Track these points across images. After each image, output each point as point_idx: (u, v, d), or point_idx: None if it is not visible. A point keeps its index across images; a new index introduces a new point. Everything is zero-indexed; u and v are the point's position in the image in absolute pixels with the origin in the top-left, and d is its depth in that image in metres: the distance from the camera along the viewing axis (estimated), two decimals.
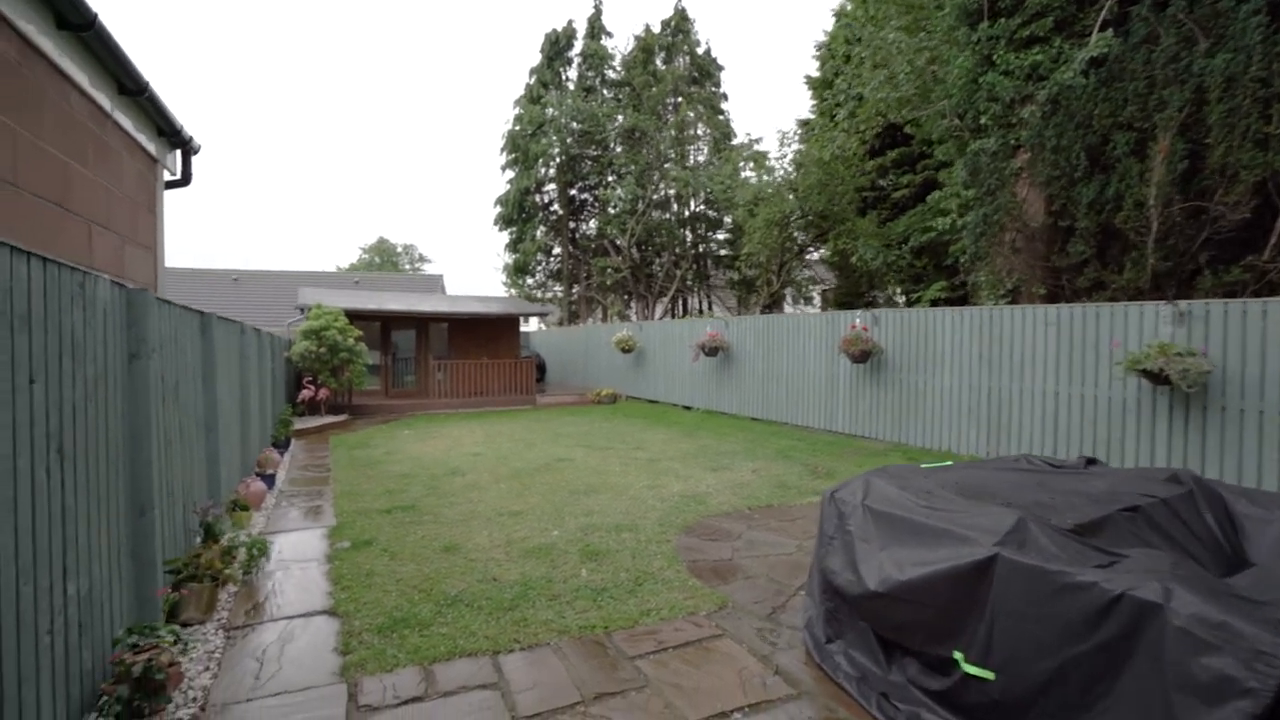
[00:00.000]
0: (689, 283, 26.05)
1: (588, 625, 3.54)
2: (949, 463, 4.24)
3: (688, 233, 25.71)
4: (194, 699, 2.82)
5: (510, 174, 27.59)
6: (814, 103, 20.14)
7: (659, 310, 25.47)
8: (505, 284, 30.04)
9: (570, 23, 27.37)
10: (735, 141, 24.92)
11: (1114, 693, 2.04)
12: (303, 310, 14.06)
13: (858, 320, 9.77)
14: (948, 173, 12.95)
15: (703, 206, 25.29)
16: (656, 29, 26.68)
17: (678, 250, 25.43)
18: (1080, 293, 8.59)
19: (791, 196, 17.70)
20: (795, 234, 19.17)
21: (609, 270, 25.33)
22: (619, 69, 26.96)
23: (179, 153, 5.75)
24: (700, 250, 26.01)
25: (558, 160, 25.53)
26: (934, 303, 13.97)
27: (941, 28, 10.84)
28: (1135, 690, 1.98)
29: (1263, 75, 6.51)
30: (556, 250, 28.39)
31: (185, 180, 5.80)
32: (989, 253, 9.75)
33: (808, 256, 21.41)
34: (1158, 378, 5.90)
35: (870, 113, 13.13)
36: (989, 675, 2.42)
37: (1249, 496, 3.20)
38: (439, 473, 7.69)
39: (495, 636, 3.39)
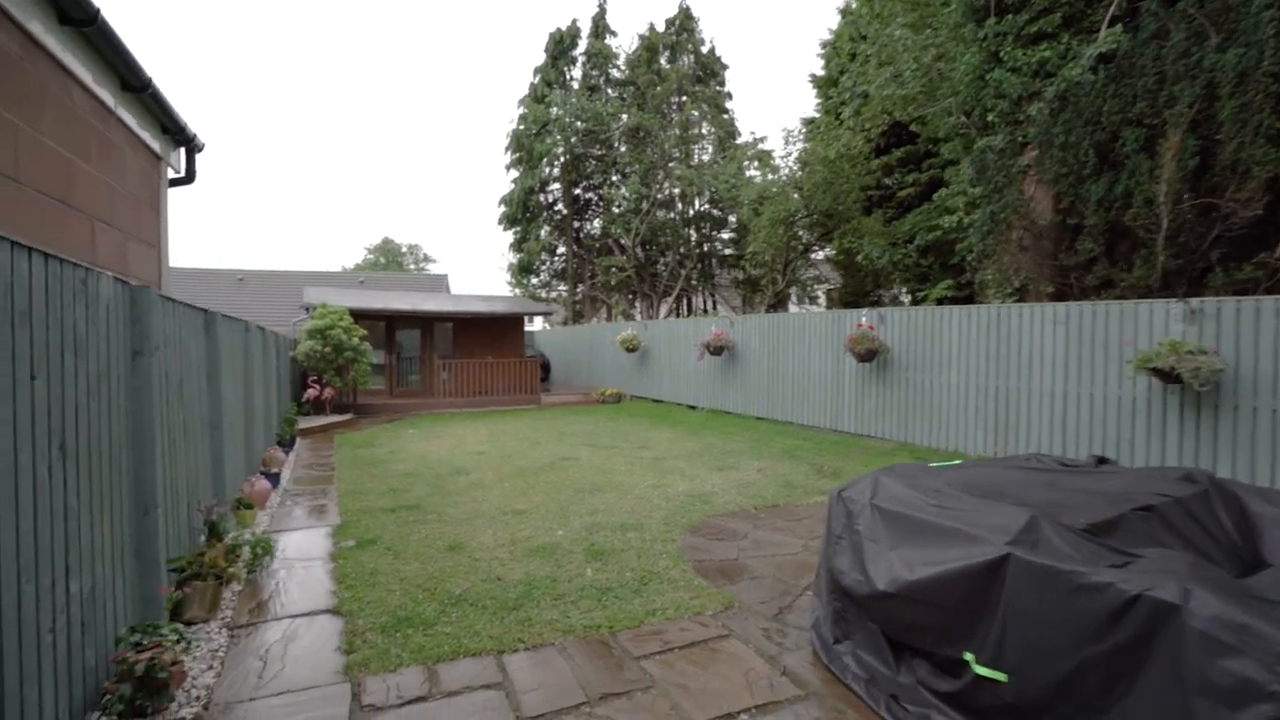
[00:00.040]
0: (693, 282, 26.01)
1: (593, 625, 3.51)
2: (958, 461, 4.19)
3: (692, 232, 25.65)
4: (197, 698, 2.80)
5: (515, 173, 27.60)
6: (819, 101, 20.06)
7: (663, 310, 25.43)
8: (510, 283, 30.07)
9: (575, 22, 27.35)
10: (740, 140, 24.88)
11: (1131, 696, 2.00)
12: (308, 309, 14.08)
13: (864, 319, 9.71)
14: (954, 170, 12.87)
15: (707, 206, 25.23)
16: (661, 28, 26.65)
17: (682, 250, 25.39)
18: (1088, 291, 8.51)
19: (796, 195, 17.64)
20: (800, 233, 19.11)
21: (613, 270, 25.30)
22: (623, 68, 26.92)
23: (183, 150, 5.75)
24: (705, 250, 25.96)
25: (562, 159, 25.51)
26: (940, 301, 13.89)
27: (948, 24, 10.77)
28: (1153, 694, 1.94)
29: (1275, 70, 6.43)
30: (561, 250, 28.38)
31: (189, 178, 5.80)
32: (996, 251, 9.67)
33: (813, 256, 21.34)
34: (1169, 376, 5.83)
35: (876, 110, 13.06)
36: (1001, 677, 2.37)
37: (1265, 496, 3.15)
38: (443, 472, 7.67)
39: (499, 636, 3.36)
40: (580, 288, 28.09)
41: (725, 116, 26.57)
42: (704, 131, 26.26)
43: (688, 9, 26.45)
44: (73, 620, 2.44)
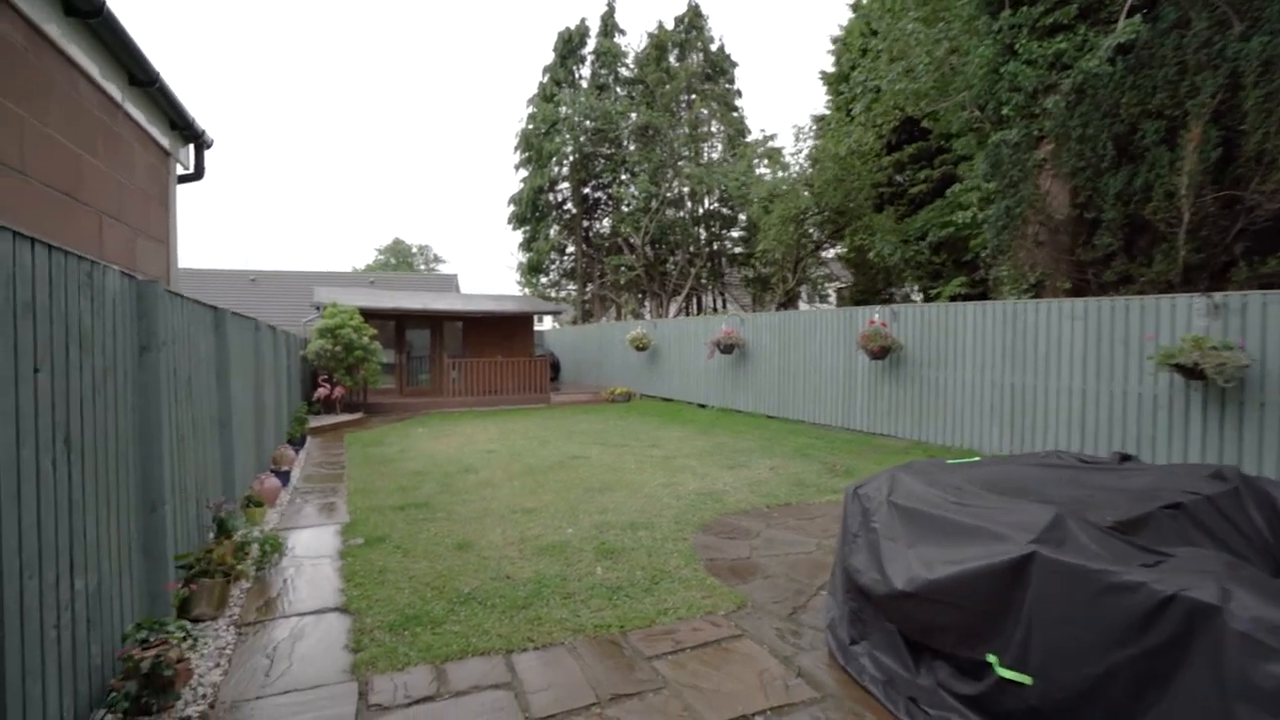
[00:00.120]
0: (703, 281, 25.90)
1: (603, 624, 3.45)
2: (976, 458, 4.10)
3: (702, 231, 25.56)
4: (203, 696, 2.77)
5: (524, 173, 27.62)
6: (829, 98, 19.91)
7: (673, 309, 25.35)
8: (519, 283, 30.10)
9: (583, 21, 27.35)
10: (749, 138, 24.75)
11: (1166, 701, 1.92)
12: (318, 308, 14.13)
13: (876, 316, 9.59)
14: (967, 166, 12.71)
15: (717, 204, 25.13)
16: (670, 25, 26.58)
17: (692, 248, 25.29)
18: (1107, 287, 8.35)
19: (807, 193, 17.51)
20: (811, 230, 18.97)
21: (623, 269, 25.25)
22: (632, 66, 26.87)
23: (192, 147, 5.75)
24: (714, 248, 25.86)
25: (571, 159, 25.49)
26: (953, 299, 13.72)
27: (961, 17, 10.62)
28: (1190, 698, 1.85)
29: None
30: (570, 249, 28.36)
31: (198, 174, 5.80)
32: (1011, 246, 9.53)
33: (823, 254, 21.18)
34: (1192, 372, 5.69)
35: (887, 106, 12.91)
36: (1026, 680, 2.29)
37: None
38: (452, 470, 7.65)
39: (509, 635, 3.31)
40: (589, 287, 28.07)
41: (735, 114, 26.46)
42: (713, 129, 26.16)
43: (697, 7, 26.35)
44: (78, 616, 2.41)
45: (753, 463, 7.91)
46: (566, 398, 16.77)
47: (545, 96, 26.79)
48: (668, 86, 24.89)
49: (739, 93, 27.13)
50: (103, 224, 4.07)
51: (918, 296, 17.28)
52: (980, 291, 13.59)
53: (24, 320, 2.08)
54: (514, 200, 27.81)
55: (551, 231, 27.44)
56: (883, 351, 9.24)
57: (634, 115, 24.87)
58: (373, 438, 10.57)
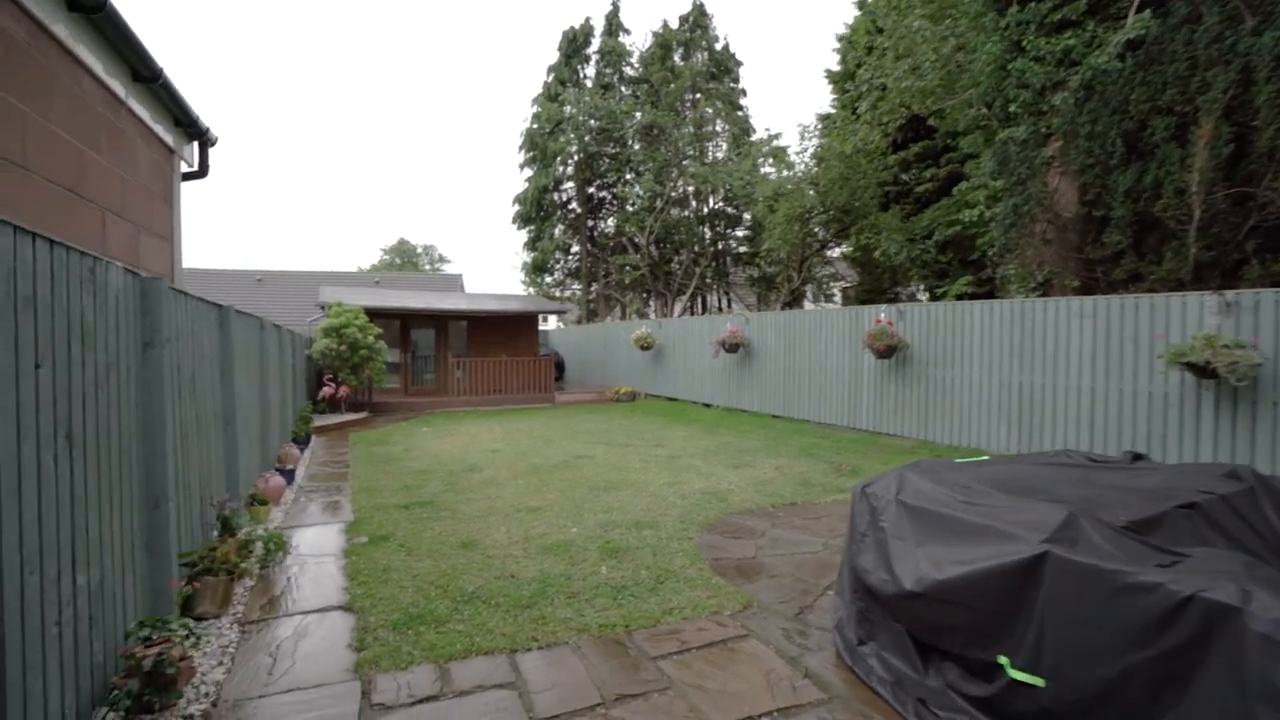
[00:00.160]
0: (708, 280, 25.85)
1: (608, 624, 3.42)
2: (985, 457, 4.05)
3: (706, 230, 25.49)
4: (206, 694, 2.75)
5: (529, 172, 27.61)
6: (834, 97, 19.84)
7: (678, 308, 25.30)
8: (524, 282, 30.09)
9: (588, 20, 27.30)
10: (754, 137, 24.67)
11: (1183, 704, 1.87)
12: (323, 308, 14.15)
13: (882, 314, 9.53)
14: (974, 164, 12.63)
15: (721, 203, 25.06)
16: (675, 25, 26.52)
17: (696, 248, 25.24)
18: (1116, 285, 8.28)
19: (812, 192, 17.44)
20: (816, 230, 18.90)
21: (627, 268, 25.22)
22: (637, 66, 26.82)
23: (196, 144, 5.75)
24: (719, 248, 25.79)
25: (576, 158, 25.46)
26: (960, 298, 13.63)
27: (968, 14, 10.55)
28: (1208, 701, 1.81)
29: None
30: (575, 248, 28.34)
31: (203, 172, 5.80)
32: (1019, 244, 9.46)
33: (829, 253, 21.10)
34: (1204, 371, 5.62)
35: (893, 103, 12.85)
36: (1038, 682, 2.25)
37: None
38: (457, 469, 7.64)
39: (513, 634, 3.28)
40: (594, 286, 28.04)
41: (740, 113, 26.38)
42: (718, 129, 26.09)
43: (701, 6, 26.29)
44: (80, 613, 2.40)
45: (758, 462, 7.87)
46: (571, 397, 16.76)
47: (550, 96, 26.78)
48: (672, 86, 24.85)
49: (744, 92, 27.07)
50: (106, 220, 4.06)
51: (924, 296, 17.19)
52: (987, 290, 13.50)
53: (25, 315, 2.07)
54: (519, 200, 27.80)
55: (556, 231, 27.42)
56: (889, 350, 9.18)
57: (639, 114, 24.83)
58: (377, 437, 10.57)
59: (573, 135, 24.52)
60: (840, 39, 19.75)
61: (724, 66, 26.49)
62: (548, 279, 29.10)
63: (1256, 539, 2.77)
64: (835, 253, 21.29)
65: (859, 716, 2.64)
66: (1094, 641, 2.10)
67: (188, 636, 2.78)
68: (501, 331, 18.00)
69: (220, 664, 3.02)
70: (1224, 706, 1.77)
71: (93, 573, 2.52)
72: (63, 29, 3.51)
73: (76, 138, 3.71)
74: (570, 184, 27.07)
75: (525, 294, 28.38)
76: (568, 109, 24.92)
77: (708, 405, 13.89)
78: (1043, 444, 7.48)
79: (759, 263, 22.96)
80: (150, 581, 3.13)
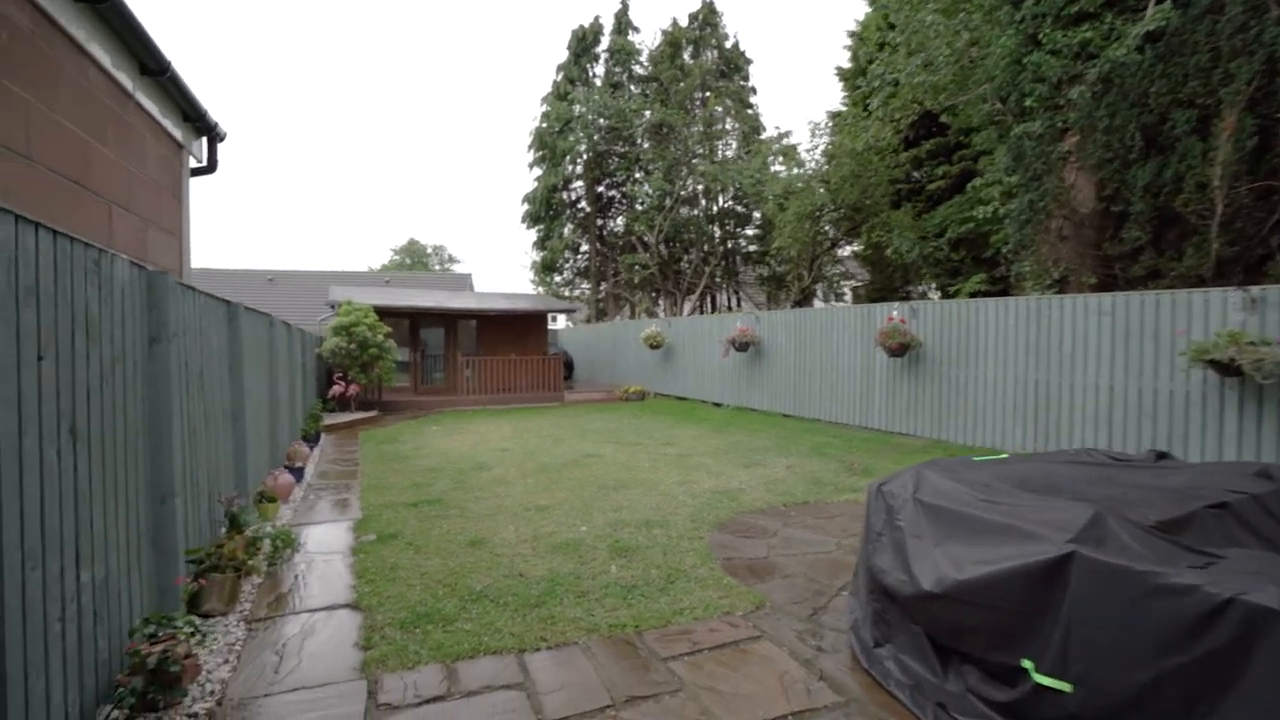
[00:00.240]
0: (717, 279, 25.73)
1: (618, 624, 3.36)
2: (1004, 455, 3.96)
3: (716, 229, 25.38)
4: (211, 692, 2.72)
5: (538, 171, 27.61)
6: (845, 94, 19.70)
7: (687, 308, 25.21)
8: (533, 282, 30.11)
9: (597, 19, 27.25)
10: (764, 135, 24.53)
11: (1221, 711, 1.79)
12: (333, 307, 14.19)
13: (895, 312, 9.42)
14: (988, 160, 12.46)
15: (731, 202, 24.94)
16: (684, 23, 26.42)
17: (706, 247, 25.13)
18: (1134, 282, 8.13)
19: (822, 190, 17.30)
20: (826, 228, 18.76)
21: (636, 267, 25.15)
22: (646, 64, 26.74)
23: (205, 140, 5.74)
24: (729, 246, 25.67)
25: (585, 157, 25.42)
26: (973, 296, 13.47)
27: (982, 7, 10.40)
28: (1249, 708, 1.72)
29: None
30: (584, 247, 28.31)
31: (211, 168, 5.80)
32: (1034, 241, 9.32)
33: (839, 251, 20.94)
34: (1227, 369, 5.49)
35: (906, 100, 12.70)
36: (1065, 687, 2.17)
37: None
38: (466, 467, 7.61)
39: (521, 634, 3.23)
40: (603, 286, 28.00)
41: (749, 111, 26.24)
42: (728, 127, 25.95)
43: (711, 4, 26.18)
44: (84, 610, 2.37)
45: (769, 461, 7.79)
46: (580, 396, 16.72)
47: (559, 95, 26.77)
48: (682, 84, 24.74)
49: (754, 90, 26.91)
50: (112, 213, 4.05)
51: (935, 294, 17.01)
52: (1000, 289, 13.33)
53: (26, 306, 2.03)
54: (528, 199, 27.81)
55: (565, 230, 27.40)
56: (901, 349, 9.07)
57: (648, 113, 24.75)
58: (387, 435, 10.58)
59: (582, 134, 24.48)
60: (851, 35, 19.63)
61: (734, 64, 26.36)
62: (557, 278, 29.09)
63: None
64: (846, 251, 21.13)
65: None
66: (1125, 646, 2.02)
67: (193, 634, 2.75)
68: (510, 330, 18.00)
69: (226, 662, 2.99)
70: (1268, 714, 1.69)
71: (97, 568, 2.49)
72: (68, 18, 3.49)
73: (82, 129, 3.69)
74: (579, 183, 27.04)
75: (534, 293, 28.39)
76: (577, 108, 24.89)
77: (717, 404, 13.80)
78: (1059, 443, 7.35)
79: (769, 261, 22.84)
80: (156, 578, 3.10)
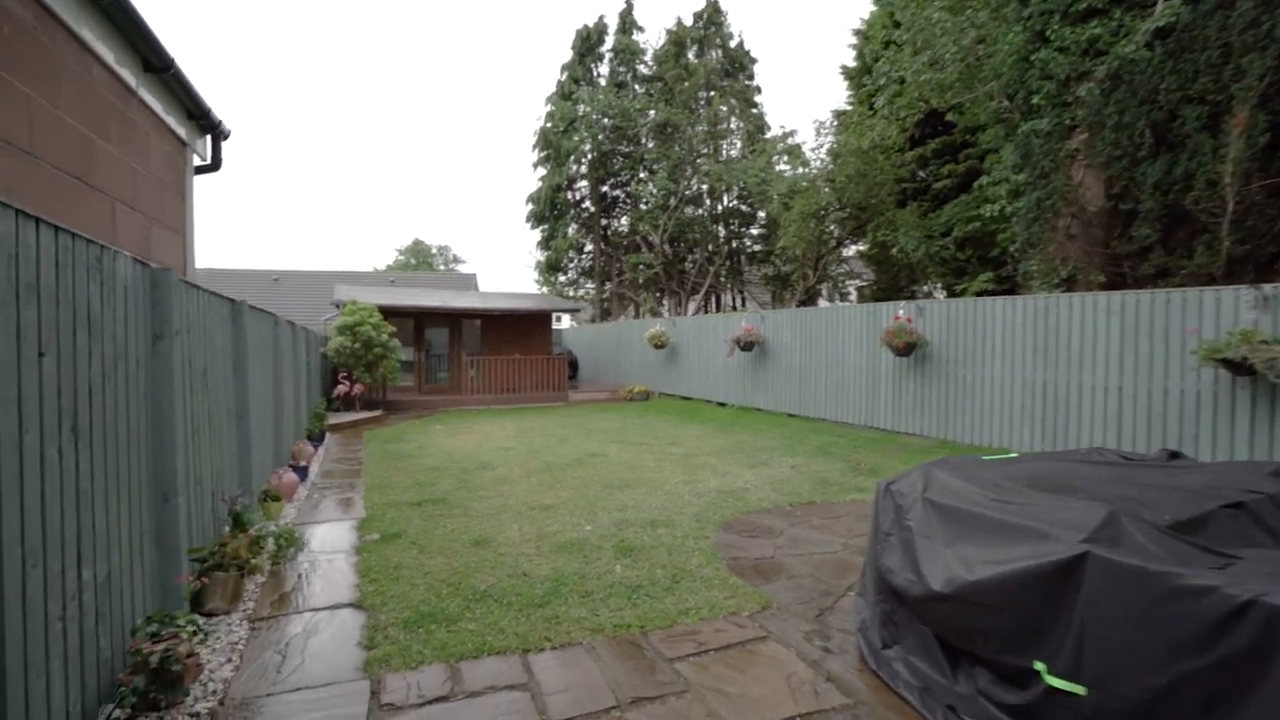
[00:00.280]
0: (722, 279, 25.67)
1: (623, 624, 3.33)
2: (1014, 455, 3.91)
3: (721, 229, 25.33)
4: (213, 691, 2.70)
5: (542, 171, 27.61)
6: (850, 93, 19.63)
7: (691, 307, 25.16)
8: (537, 281, 30.10)
9: (601, 18, 27.26)
10: (769, 135, 24.45)
11: (1241, 715, 1.74)
12: (338, 306, 14.20)
13: (901, 311, 9.36)
14: (994, 157, 12.38)
15: (736, 201, 24.88)
16: (689, 22, 26.37)
17: (710, 246, 25.08)
18: (1143, 280, 8.05)
19: (827, 189, 17.24)
20: (831, 227, 18.69)
21: (641, 267, 25.11)
22: (650, 63, 26.71)
23: (209, 138, 5.74)
24: (734, 246, 25.61)
25: (589, 156, 25.40)
26: (979, 295, 13.39)
27: (990, 4, 10.32)
28: (1272, 713, 1.68)
29: None
30: (588, 247, 28.29)
31: (215, 165, 5.79)
32: (1041, 240, 9.25)
33: (844, 251, 20.86)
34: (1240, 367, 5.42)
35: (912, 98, 12.63)
36: (1079, 690, 2.13)
37: None
38: (470, 467, 7.59)
39: (525, 634, 3.20)
40: (608, 285, 27.97)
41: (754, 111, 26.18)
42: (732, 126, 25.90)
43: (716, 3, 26.13)
44: (85, 608, 2.35)
45: (774, 461, 7.75)
46: (584, 396, 16.70)
47: (564, 95, 26.76)
48: (686, 83, 24.70)
49: (758, 89, 26.85)
50: (116, 210, 4.04)
51: (941, 294, 16.92)
52: (1007, 288, 13.25)
53: (27, 302, 2.01)
54: (532, 199, 27.82)
55: (570, 230, 27.39)
56: (908, 348, 9.01)
57: (652, 112, 24.71)
58: (391, 434, 10.57)
59: (586, 133, 24.47)
60: (856, 34, 19.55)
61: (738, 63, 26.30)
62: (561, 278, 29.08)
63: None
64: (851, 251, 21.05)
65: None
66: (1140, 648, 1.98)
67: (195, 633, 2.73)
68: (515, 330, 17.99)
69: (229, 661, 2.97)
70: None
71: (99, 567, 2.48)
72: (70, 14, 3.47)
73: (85, 125, 3.68)
74: (584, 183, 27.03)
75: (539, 293, 28.38)
76: (581, 107, 24.87)
77: (722, 404, 13.76)
78: (1067, 444, 7.28)
79: (774, 261, 22.77)
80: (159, 577, 3.09)
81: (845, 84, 20.02)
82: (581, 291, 29.71)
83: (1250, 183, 6.66)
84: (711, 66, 25.50)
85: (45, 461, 2.10)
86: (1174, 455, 3.69)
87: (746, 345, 12.43)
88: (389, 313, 14.40)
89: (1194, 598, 1.87)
